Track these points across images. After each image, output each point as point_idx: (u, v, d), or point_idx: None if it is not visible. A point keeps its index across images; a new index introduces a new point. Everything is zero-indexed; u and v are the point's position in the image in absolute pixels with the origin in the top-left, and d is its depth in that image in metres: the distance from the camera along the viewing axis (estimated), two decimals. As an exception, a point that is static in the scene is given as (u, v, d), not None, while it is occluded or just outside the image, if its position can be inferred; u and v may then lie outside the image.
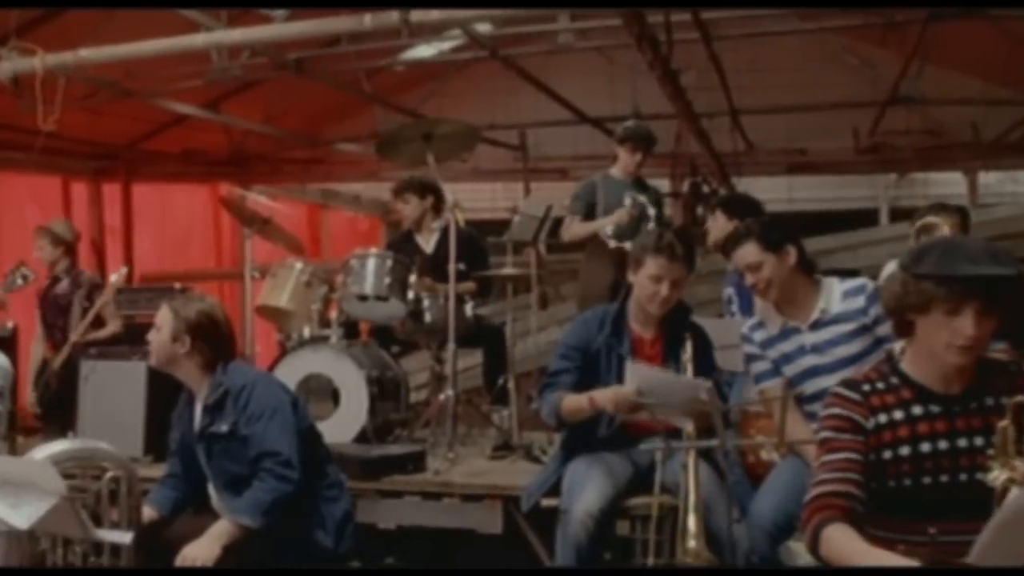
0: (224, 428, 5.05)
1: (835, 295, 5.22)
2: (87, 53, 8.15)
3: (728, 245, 5.39)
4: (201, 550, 4.74)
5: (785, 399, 4.71)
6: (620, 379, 5.22)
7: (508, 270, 7.62)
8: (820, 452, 3.58)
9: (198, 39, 8.26)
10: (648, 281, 5.21)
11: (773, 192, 13.77)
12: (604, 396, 5.00)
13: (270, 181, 14.59)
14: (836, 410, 3.58)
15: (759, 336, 5.33)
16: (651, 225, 8.01)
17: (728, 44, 10.66)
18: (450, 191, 7.34)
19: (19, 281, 7.58)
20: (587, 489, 5.14)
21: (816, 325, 5.19)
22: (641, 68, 12.52)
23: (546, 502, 5.45)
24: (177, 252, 13.73)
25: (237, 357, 5.39)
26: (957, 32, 10.60)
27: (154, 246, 13.70)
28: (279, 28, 8.51)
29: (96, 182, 13.42)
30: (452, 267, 7.11)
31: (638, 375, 4.94)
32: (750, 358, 5.41)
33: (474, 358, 8.38)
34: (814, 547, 3.44)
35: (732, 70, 11.34)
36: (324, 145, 14.53)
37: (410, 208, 8.16)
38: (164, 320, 5.13)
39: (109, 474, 5.10)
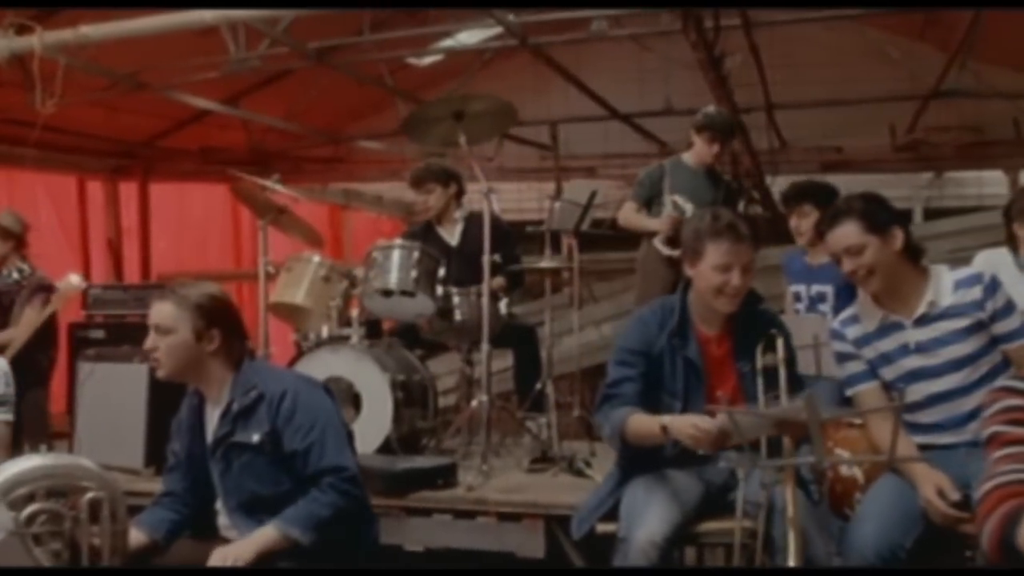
0: (255, 438, 4.12)
1: (945, 285, 4.25)
2: (88, 30, 7.22)
3: (822, 225, 4.41)
4: (240, 551, 3.94)
5: (899, 408, 3.73)
6: (687, 385, 4.30)
7: (547, 263, 6.64)
8: (992, 448, 3.17)
9: (207, 15, 7.31)
10: (713, 272, 4.21)
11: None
12: (681, 428, 3.94)
13: (291, 180, 13.51)
14: (1010, 402, 3.17)
15: (853, 332, 4.37)
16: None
17: (763, 39, 9.72)
18: (481, 174, 6.32)
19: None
20: (650, 513, 4.15)
21: (922, 320, 4.24)
22: (674, 62, 11.82)
23: (601, 527, 4.45)
24: (195, 252, 12.79)
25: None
26: (1002, 26, 9.62)
27: (171, 246, 12.77)
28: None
29: (113, 181, 12.49)
30: (487, 259, 6.11)
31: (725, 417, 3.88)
32: (841, 358, 4.45)
33: (504, 360, 7.38)
34: (1001, 537, 2.94)
35: (767, 66, 10.44)
36: (346, 142, 13.59)
37: (434, 198, 7.16)
38: (172, 317, 4.14)
39: (89, 495, 4.06)
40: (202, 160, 12.70)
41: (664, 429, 4.01)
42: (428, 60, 12.09)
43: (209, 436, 4.26)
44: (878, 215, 4.22)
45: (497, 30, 10.45)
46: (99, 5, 8.37)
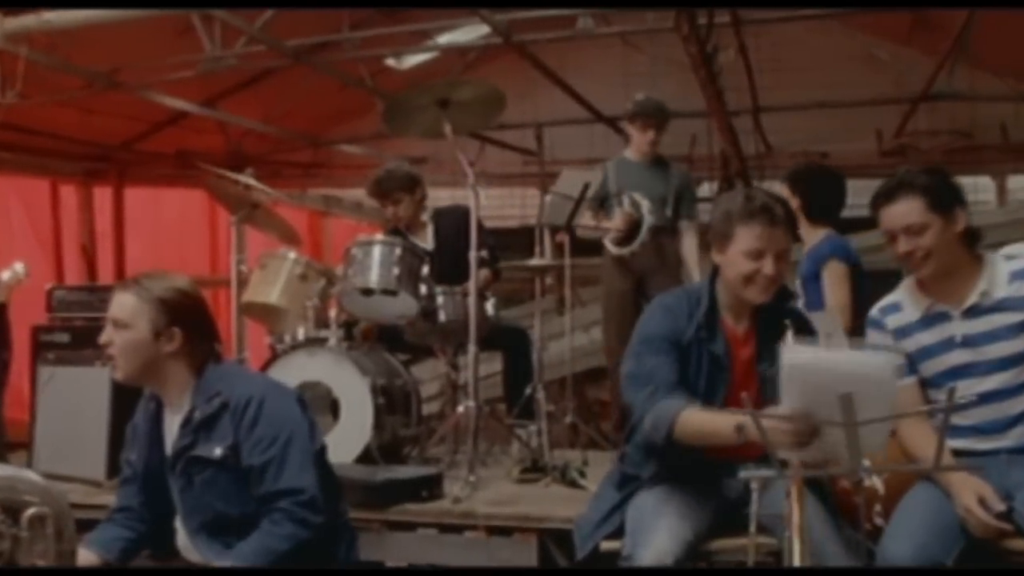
0: (217, 452, 3.55)
1: (1000, 275, 3.73)
2: (52, 16, 6.67)
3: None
4: None
5: (951, 408, 3.20)
6: (710, 384, 3.78)
7: (537, 261, 6.10)
8: None
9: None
10: (743, 259, 3.68)
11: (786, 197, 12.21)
12: (772, 429, 3.20)
13: (269, 185, 13.00)
14: None
15: (893, 321, 3.86)
16: (646, 226, 6.54)
17: (750, 42, 9.21)
18: (467, 167, 5.77)
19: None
20: (658, 530, 3.64)
21: (972, 312, 3.73)
22: (661, 60, 11.31)
23: (604, 545, 3.90)
24: (170, 258, 12.14)
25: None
26: (989, 31, 9.13)
27: (146, 251, 12.13)
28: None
29: (87, 185, 11.84)
30: (474, 254, 5.58)
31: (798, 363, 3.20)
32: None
33: (491, 365, 6.84)
34: None
35: (754, 69, 9.89)
36: (326, 146, 13.00)
37: (404, 208, 6.63)
38: (131, 311, 3.59)
39: (31, 510, 3.49)
40: (179, 164, 12.08)
41: (739, 430, 3.38)
42: (408, 63, 11.52)
43: (168, 447, 3.70)
44: (943, 193, 3.73)
45: (481, 31, 9.93)
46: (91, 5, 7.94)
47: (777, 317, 3.75)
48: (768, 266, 3.65)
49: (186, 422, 3.62)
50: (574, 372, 7.70)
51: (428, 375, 8.02)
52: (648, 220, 6.51)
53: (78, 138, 11.17)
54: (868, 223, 4.05)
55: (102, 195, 12.02)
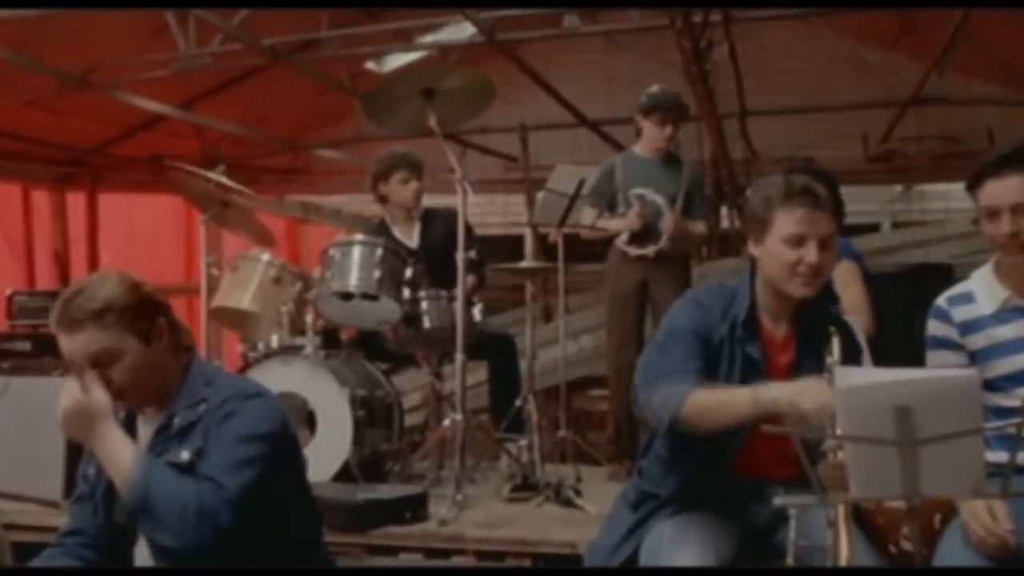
0: (184, 456, 2.91)
1: None
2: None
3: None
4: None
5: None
6: (744, 385, 3.13)
7: (529, 263, 5.54)
8: None
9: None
10: (783, 247, 3.12)
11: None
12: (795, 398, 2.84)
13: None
14: None
15: (962, 313, 3.33)
16: (665, 223, 5.89)
17: (736, 46, 8.70)
18: (455, 161, 5.21)
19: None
20: (679, 559, 3.08)
21: (1058, 307, 3.16)
22: (644, 68, 10.81)
23: (620, 575, 3.35)
24: (144, 264, 11.51)
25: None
26: (976, 35, 8.68)
27: (119, 258, 11.51)
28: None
29: (60, 190, 11.23)
30: (460, 256, 5.02)
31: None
32: (936, 343, 3.41)
33: (477, 374, 6.28)
34: None
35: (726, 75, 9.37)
36: (305, 150, 12.41)
37: (409, 191, 6.06)
38: (107, 336, 2.94)
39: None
40: (153, 169, 11.47)
41: (756, 404, 2.92)
42: (389, 66, 10.95)
43: None
44: None
45: (464, 32, 9.40)
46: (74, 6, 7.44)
47: (819, 321, 3.24)
48: (811, 253, 3.10)
49: (163, 429, 3.01)
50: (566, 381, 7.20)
51: (410, 384, 7.44)
52: (667, 218, 5.84)
53: (51, 141, 10.61)
54: (858, 230, 3.53)
55: (75, 200, 11.42)
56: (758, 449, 3.21)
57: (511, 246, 10.75)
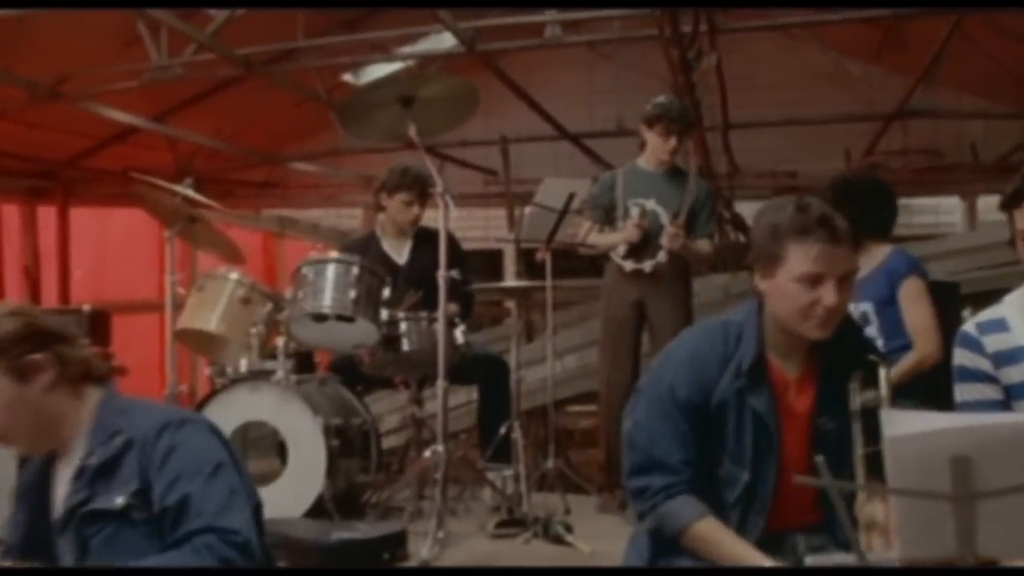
0: (118, 501, 2.46)
1: None
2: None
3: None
4: None
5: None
6: (757, 450, 2.74)
7: (512, 282, 5.10)
8: None
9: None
10: (798, 287, 2.64)
11: (753, 216, 11.27)
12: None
13: (222, 206, 11.96)
14: None
15: (995, 342, 2.82)
16: (668, 228, 5.39)
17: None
18: (436, 173, 4.77)
19: None
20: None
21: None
22: (625, 80, 10.41)
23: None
24: (117, 279, 11.03)
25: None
26: (959, 49, 8.29)
27: (91, 273, 11.01)
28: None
29: (30, 204, 10.71)
30: (443, 275, 4.58)
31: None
32: (965, 375, 2.90)
33: (457, 396, 5.83)
34: None
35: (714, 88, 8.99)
36: (280, 163, 11.92)
37: (409, 215, 5.64)
38: None
39: None
40: (126, 182, 10.97)
41: None
42: (366, 78, 10.50)
43: (57, 507, 2.63)
44: None
45: (443, 44, 8.97)
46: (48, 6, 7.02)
47: (841, 353, 2.76)
48: (829, 295, 2.63)
49: (80, 473, 2.54)
50: (542, 403, 6.77)
51: (387, 406, 6.99)
52: (667, 232, 5.34)
53: (21, 154, 10.08)
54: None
55: (46, 214, 10.89)
56: (781, 507, 2.77)
57: (490, 261, 10.35)
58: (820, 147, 10.98)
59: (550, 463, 5.26)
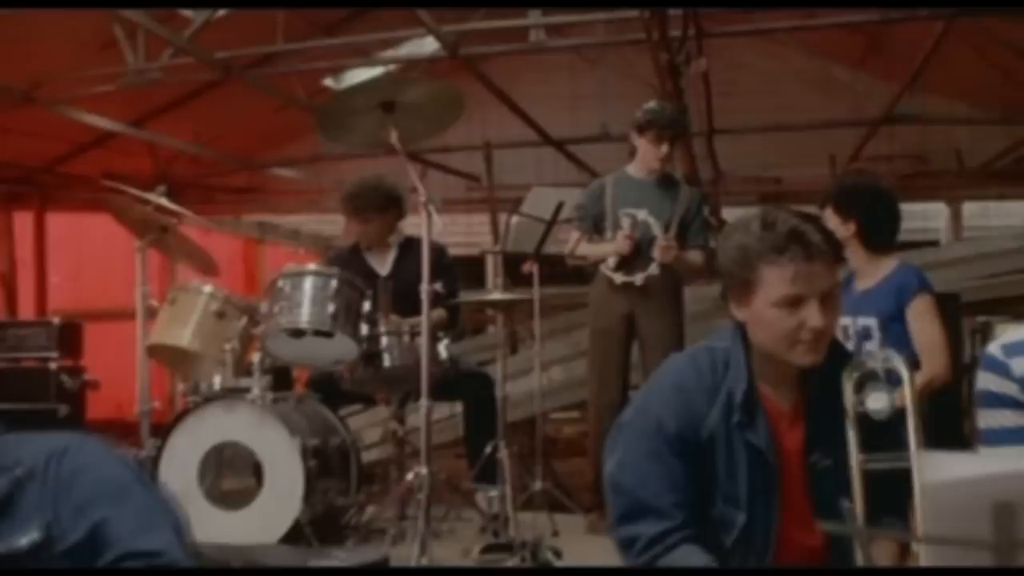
0: (24, 542, 2.04)
1: None
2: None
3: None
4: None
5: None
6: (753, 488, 2.44)
7: (497, 295, 4.83)
8: None
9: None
10: (777, 312, 2.35)
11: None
12: None
13: (202, 211, 11.60)
14: None
15: (1023, 366, 2.55)
16: (659, 240, 5.07)
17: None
18: (418, 181, 4.49)
19: None
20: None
21: None
22: (609, 86, 10.18)
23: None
24: (94, 287, 10.71)
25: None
26: (944, 54, 8.10)
27: (68, 280, 10.71)
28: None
29: (7, 209, 10.42)
30: (426, 288, 4.30)
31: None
32: (991, 400, 2.53)
33: (440, 409, 5.54)
34: None
35: (703, 94, 8.78)
36: (261, 169, 11.62)
37: (373, 229, 5.33)
38: None
39: None
40: (104, 187, 10.67)
41: None
42: (348, 83, 10.23)
43: None
44: None
45: (425, 48, 8.72)
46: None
47: (831, 381, 2.46)
48: (814, 316, 2.34)
49: None
50: (527, 416, 6.50)
51: (367, 420, 6.69)
52: (658, 244, 5.05)
53: (-5, 158, 9.80)
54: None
55: (23, 220, 10.62)
56: (784, 553, 2.50)
57: (474, 268, 10.06)
58: (805, 153, 10.77)
59: (538, 484, 4.98)
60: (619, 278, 5.10)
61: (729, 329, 2.54)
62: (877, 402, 2.45)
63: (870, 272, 4.27)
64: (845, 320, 4.23)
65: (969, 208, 11.54)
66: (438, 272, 4.58)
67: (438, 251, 4.76)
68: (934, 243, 11.67)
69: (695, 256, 5.22)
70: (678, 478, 2.41)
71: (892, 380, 2.52)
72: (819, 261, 2.35)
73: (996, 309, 7.42)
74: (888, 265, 4.30)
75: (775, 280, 2.34)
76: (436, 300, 4.54)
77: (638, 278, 5.06)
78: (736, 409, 2.44)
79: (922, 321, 4.15)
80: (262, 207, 12.36)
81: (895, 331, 4.15)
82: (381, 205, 5.28)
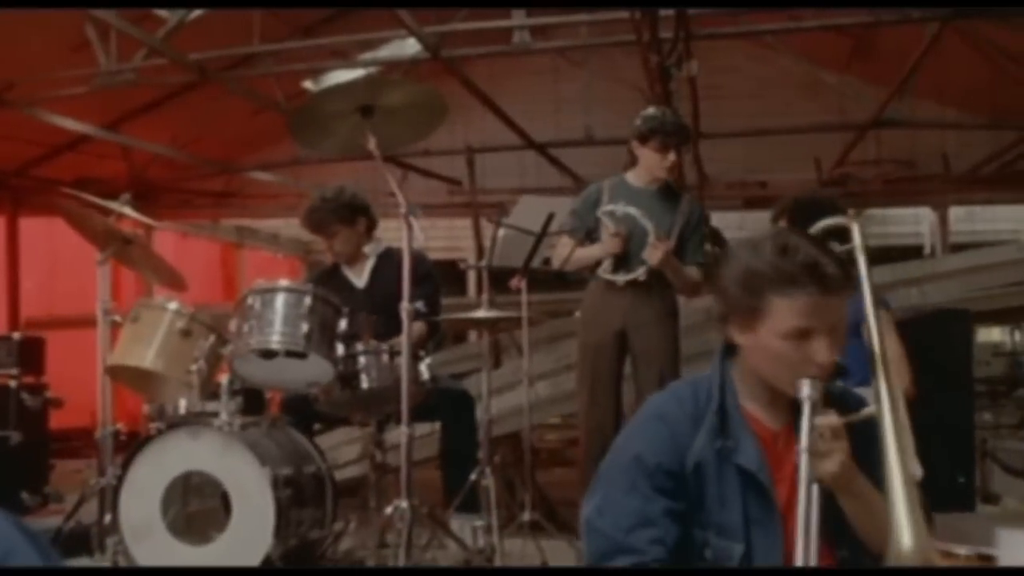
0: None
1: None
2: None
3: None
4: None
5: None
6: (748, 516, 2.17)
7: (483, 312, 4.43)
8: None
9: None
10: (783, 343, 2.11)
11: (722, 227, 10.62)
12: None
13: (179, 216, 11.21)
14: None
15: None
16: (650, 238, 4.65)
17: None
18: (399, 191, 4.07)
19: None
20: None
21: None
22: (593, 89, 9.83)
23: None
24: (69, 293, 10.27)
25: None
26: (931, 59, 7.73)
27: (42, 286, 10.27)
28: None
29: (-22, 214, 10.02)
30: (406, 306, 3.91)
31: None
32: None
33: (422, 426, 5.13)
34: None
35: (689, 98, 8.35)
36: (238, 173, 11.18)
37: (340, 242, 4.89)
38: None
39: None
40: (63, 195, 10.24)
41: None
42: (327, 85, 9.84)
43: None
44: None
45: (407, 50, 8.34)
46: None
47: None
48: (822, 351, 2.09)
49: None
50: (509, 432, 6.13)
51: (344, 436, 6.28)
52: (650, 245, 4.61)
53: (-34, 161, 9.39)
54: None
55: (-8, 223, 10.19)
56: None
57: (456, 273, 9.68)
58: (791, 157, 10.46)
59: (526, 516, 4.55)
60: (621, 279, 4.67)
61: (711, 362, 2.31)
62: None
63: None
64: None
65: (955, 212, 11.21)
66: (418, 282, 4.19)
67: (418, 259, 4.35)
68: (918, 248, 11.39)
69: (693, 272, 4.79)
70: (656, 514, 2.15)
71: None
72: (835, 295, 2.11)
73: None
74: None
75: (785, 312, 2.09)
76: (416, 317, 4.15)
77: (641, 273, 4.63)
78: (719, 433, 2.20)
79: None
80: (240, 212, 11.93)
81: (853, 349, 3.86)
82: (343, 216, 4.85)
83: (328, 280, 4.82)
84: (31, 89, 8.10)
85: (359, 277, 4.95)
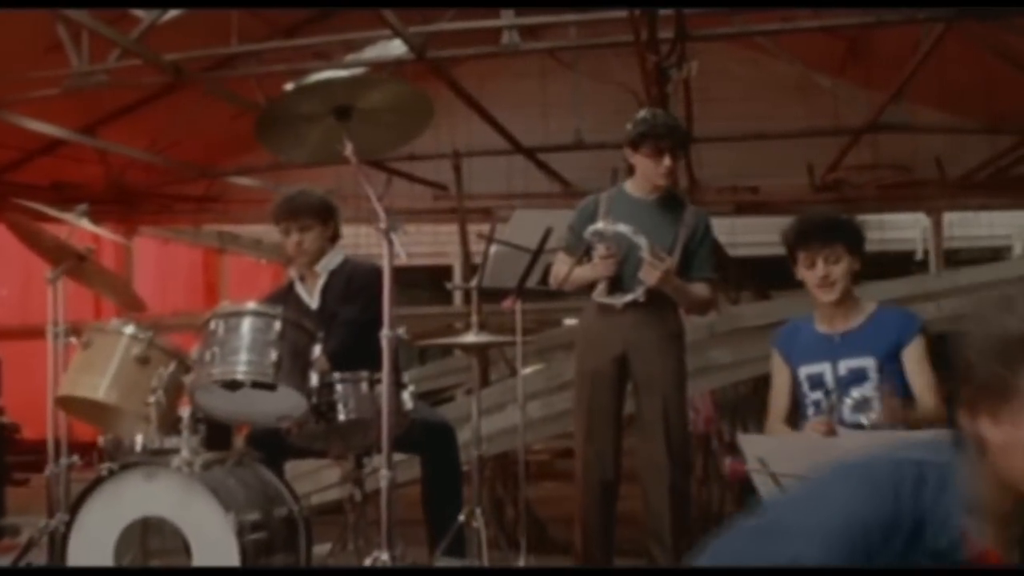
0: None
1: None
2: None
3: None
4: None
5: None
6: None
7: (473, 338, 3.91)
8: None
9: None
10: None
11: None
12: None
13: (158, 221, 10.68)
14: None
15: None
16: (645, 255, 4.08)
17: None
18: (377, 203, 3.53)
19: None
20: None
21: None
22: (582, 93, 9.33)
23: None
24: (44, 301, 9.76)
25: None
26: (927, 63, 7.40)
27: (18, 294, 9.73)
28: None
29: (-50, 220, 9.44)
30: (386, 335, 3.38)
31: None
32: None
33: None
34: None
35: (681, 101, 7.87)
36: (219, 177, 10.63)
37: (311, 239, 4.33)
38: None
39: None
40: (54, 197, 9.67)
41: None
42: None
43: None
44: None
45: (393, 50, 7.85)
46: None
47: None
48: None
49: None
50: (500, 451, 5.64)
51: (326, 460, 5.76)
52: (646, 264, 4.07)
53: (-64, 165, 8.85)
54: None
55: (-38, 229, 9.62)
56: None
57: (439, 279, 9.16)
58: (783, 162, 10.02)
59: (521, 561, 4.03)
60: (618, 301, 4.15)
61: (940, 446, 1.67)
62: None
63: (844, 313, 3.59)
64: (814, 368, 3.59)
65: (949, 218, 10.80)
66: (359, 291, 3.73)
67: (371, 275, 3.84)
68: (910, 254, 11.00)
69: (700, 290, 4.25)
70: None
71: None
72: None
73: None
74: (865, 304, 3.66)
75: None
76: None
77: (639, 294, 4.11)
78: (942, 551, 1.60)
79: (922, 363, 3.52)
80: (222, 217, 11.38)
81: (890, 369, 3.46)
82: (319, 212, 4.33)
83: (284, 300, 4.24)
84: (3, 91, 7.60)
85: (311, 296, 4.38)
